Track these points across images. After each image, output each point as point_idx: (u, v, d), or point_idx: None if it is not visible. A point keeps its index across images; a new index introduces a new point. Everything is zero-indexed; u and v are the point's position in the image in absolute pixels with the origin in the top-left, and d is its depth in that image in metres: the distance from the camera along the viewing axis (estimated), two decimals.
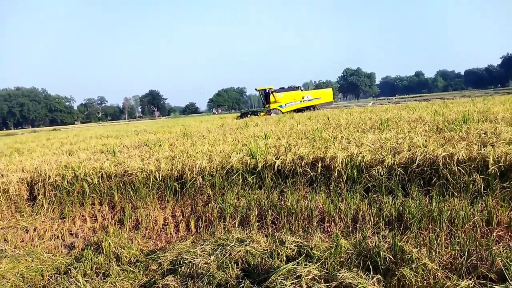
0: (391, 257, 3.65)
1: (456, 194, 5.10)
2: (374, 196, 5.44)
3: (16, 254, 5.24)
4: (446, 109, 14.38)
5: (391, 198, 5.31)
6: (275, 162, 6.40)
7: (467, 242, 3.99)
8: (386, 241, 4.12)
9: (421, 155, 5.67)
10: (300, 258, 3.62)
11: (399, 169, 5.62)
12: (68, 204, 6.85)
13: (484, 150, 5.47)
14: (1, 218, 6.78)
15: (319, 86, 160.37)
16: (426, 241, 4.19)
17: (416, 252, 3.60)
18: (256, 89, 37.58)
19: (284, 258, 3.92)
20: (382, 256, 3.65)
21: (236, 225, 5.41)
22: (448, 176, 5.25)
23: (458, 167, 5.23)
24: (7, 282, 4.38)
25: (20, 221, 6.64)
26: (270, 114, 33.07)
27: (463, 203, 4.80)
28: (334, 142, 7.43)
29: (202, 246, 4.35)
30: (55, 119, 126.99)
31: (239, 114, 36.30)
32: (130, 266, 4.37)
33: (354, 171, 5.89)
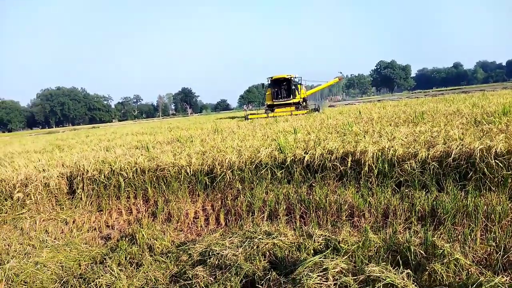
0: (422, 252, 3.56)
1: (494, 189, 4.88)
2: (406, 190, 5.30)
3: (56, 245, 5.55)
4: (485, 101, 13.72)
5: (424, 192, 5.16)
6: (304, 156, 6.37)
7: (503, 238, 3.82)
8: (418, 236, 4.02)
9: (456, 148, 5.46)
10: (327, 251, 3.60)
11: (433, 163, 5.45)
12: (105, 198, 7.15)
13: None
14: (42, 210, 7.18)
15: (351, 80, 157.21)
16: (460, 236, 4.05)
17: (448, 247, 3.49)
18: (270, 79, 26.51)
19: (312, 251, 3.92)
20: (412, 251, 3.57)
21: (265, 219, 5.45)
22: (485, 170, 5.03)
23: (496, 161, 5.00)
24: (48, 270, 4.66)
25: (60, 213, 7.01)
26: (306, 110, 23.69)
27: (501, 197, 4.59)
28: (365, 136, 7.29)
29: (230, 239, 4.42)
30: (94, 117, 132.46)
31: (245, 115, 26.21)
32: (162, 257, 4.52)
33: (386, 165, 5.77)
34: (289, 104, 25.80)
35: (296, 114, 21.60)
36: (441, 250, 3.49)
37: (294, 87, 26.33)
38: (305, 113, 21.68)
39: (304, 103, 27.31)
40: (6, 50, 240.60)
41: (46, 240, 5.76)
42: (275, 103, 26.15)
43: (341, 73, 31.31)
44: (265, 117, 22.15)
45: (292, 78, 26.28)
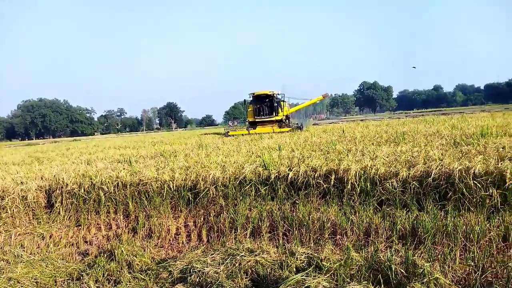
0: (403, 271, 3.59)
1: (472, 209, 4.99)
2: (387, 209, 5.37)
3: (31, 260, 5.37)
4: (464, 123, 14.13)
5: (405, 212, 5.23)
6: (288, 173, 6.40)
7: (482, 258, 3.89)
8: (399, 255, 4.06)
9: (436, 168, 5.58)
10: (309, 269, 3.59)
11: (414, 182, 5.55)
12: (84, 212, 6.98)
13: (501, 164, 5.35)
14: (18, 224, 6.95)
15: (335, 99, 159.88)
16: (439, 256, 4.10)
17: (428, 266, 3.53)
18: (252, 95, 25.26)
19: (294, 269, 3.90)
20: (393, 270, 3.60)
21: (247, 236, 5.41)
22: (464, 190, 5.15)
23: (475, 181, 5.13)
24: (22, 286, 4.49)
25: (37, 228, 6.79)
26: (289, 128, 23.10)
27: (479, 218, 4.69)
28: (348, 155, 7.38)
29: (212, 256, 4.37)
30: (76, 130, 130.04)
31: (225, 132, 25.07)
32: (141, 274, 4.42)
33: (368, 184, 5.84)
34: (272, 122, 24.92)
35: (278, 132, 20.93)
36: (422, 269, 3.53)
37: (276, 104, 25.28)
38: (288, 131, 21.30)
39: (287, 120, 26.34)
40: None
41: (21, 255, 5.57)
42: (257, 120, 25.15)
43: (327, 93, 31.14)
44: (246, 134, 21.66)
45: (275, 95, 25.23)
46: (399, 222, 4.90)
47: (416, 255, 3.94)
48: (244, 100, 26.89)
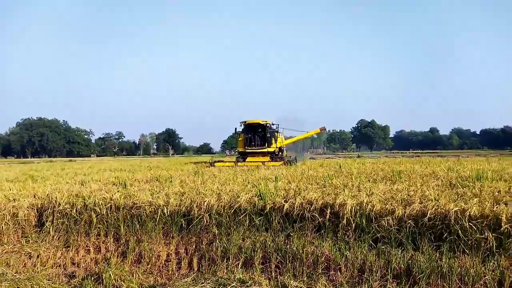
0: None
1: (467, 251, 4.94)
2: (382, 247, 5.32)
3: (16, 279, 5.22)
4: (460, 166, 14.23)
5: (400, 250, 5.18)
6: (284, 205, 6.37)
7: None
8: None
9: (432, 208, 5.58)
10: None
11: (409, 221, 5.53)
12: (74, 233, 6.85)
13: (497, 208, 5.36)
14: (6, 242, 6.80)
15: (333, 135, 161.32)
16: None
17: None
18: (243, 124, 23.80)
19: None
20: None
21: (239, 266, 5.30)
22: (460, 232, 5.13)
23: (470, 223, 5.12)
24: None
25: (25, 246, 6.64)
26: (284, 161, 21.07)
27: (474, 260, 4.65)
28: (344, 189, 7.38)
29: (202, 285, 4.28)
30: (72, 151, 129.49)
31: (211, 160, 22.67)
32: None
33: (363, 220, 5.81)
34: (264, 153, 23.17)
35: (270, 166, 18.69)
36: None
37: (269, 135, 23.45)
38: (279, 165, 19.37)
39: (280, 153, 24.80)
40: None
41: (6, 273, 5.40)
42: (247, 150, 23.45)
43: (324, 127, 30.68)
44: (233, 166, 19.60)
45: (268, 125, 23.58)
46: (394, 261, 4.85)
47: None
48: (235, 128, 24.68)
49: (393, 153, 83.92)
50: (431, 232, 5.42)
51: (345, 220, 5.82)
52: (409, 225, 5.49)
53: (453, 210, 5.35)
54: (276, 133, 24.46)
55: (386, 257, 5.02)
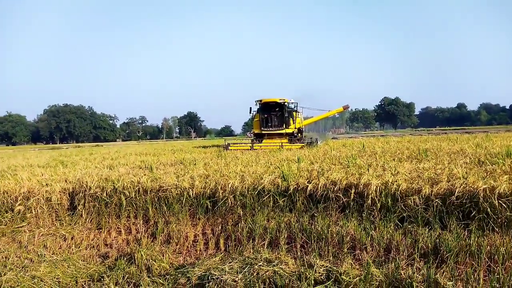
0: None
1: (497, 230, 4.85)
2: (409, 226, 5.28)
3: (53, 260, 5.50)
4: (488, 143, 13.78)
5: (427, 229, 5.13)
6: (307, 186, 6.38)
7: (507, 280, 3.77)
8: (420, 273, 3.98)
9: (460, 186, 5.47)
10: (328, 282, 3.56)
11: (436, 200, 5.44)
12: (105, 216, 7.12)
13: None
14: (42, 225, 7.14)
15: (355, 113, 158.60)
16: (462, 276, 3.99)
17: (451, 285, 3.45)
18: (259, 103, 21.87)
19: (312, 281, 3.87)
20: (415, 287, 3.52)
21: (265, 246, 5.40)
22: (489, 210, 5.02)
23: (500, 201, 4.99)
24: (44, 285, 4.60)
25: (60, 229, 6.96)
26: (305, 143, 19.37)
27: (505, 239, 4.55)
28: (368, 169, 7.31)
29: (230, 264, 4.38)
30: (99, 136, 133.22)
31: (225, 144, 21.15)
32: (160, 279, 4.47)
33: (389, 200, 5.76)
34: (281, 135, 21.39)
35: (288, 148, 17.50)
36: None
37: (288, 115, 21.58)
38: (299, 148, 17.84)
39: (299, 134, 22.48)
40: (17, 64, 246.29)
41: (44, 254, 5.71)
42: (263, 132, 21.70)
43: (347, 105, 26.78)
44: (249, 149, 18.20)
45: (286, 104, 21.49)
46: (421, 240, 4.81)
47: (438, 274, 3.85)
48: (250, 108, 22.18)
49: (419, 130, 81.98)
50: (459, 211, 5.33)
51: (370, 200, 5.80)
52: (436, 204, 5.41)
53: (481, 188, 5.23)
54: (294, 113, 22.49)
55: (413, 236, 4.99)
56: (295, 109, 22.71)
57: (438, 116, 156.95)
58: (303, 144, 19.29)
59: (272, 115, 21.81)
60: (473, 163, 7.98)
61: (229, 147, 19.73)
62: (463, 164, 7.70)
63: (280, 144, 18.78)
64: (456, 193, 5.37)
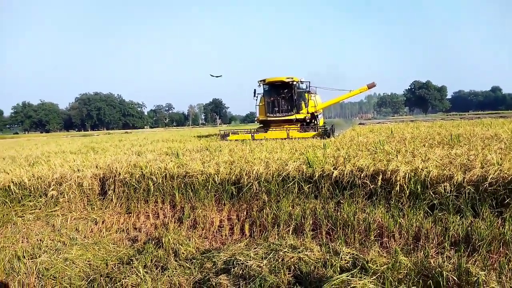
0: (455, 278, 3.41)
1: None
2: (439, 214, 5.12)
3: (85, 243, 5.72)
4: None
5: (458, 217, 4.96)
6: (333, 172, 6.29)
7: None
8: (451, 262, 3.86)
9: (494, 173, 5.23)
10: (355, 270, 3.51)
11: (469, 187, 5.24)
12: (134, 201, 7.31)
13: None
14: (74, 209, 7.42)
15: (383, 98, 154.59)
16: (495, 265, 3.85)
17: (483, 275, 3.32)
18: (262, 83, 17.92)
19: (338, 269, 3.83)
20: (445, 276, 3.42)
21: (290, 232, 5.39)
22: None
23: None
24: (76, 267, 4.80)
25: (91, 213, 7.22)
26: (318, 134, 15.79)
27: None
28: (397, 156, 7.12)
29: (255, 250, 4.40)
30: (127, 123, 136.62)
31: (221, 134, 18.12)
32: (186, 262, 4.56)
33: (418, 187, 5.59)
34: (290, 121, 17.70)
35: (297, 138, 14.76)
36: (476, 278, 3.33)
37: (298, 97, 17.86)
38: (312, 137, 15.19)
39: (314, 121, 18.65)
40: (49, 53, 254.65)
41: (76, 238, 5.95)
42: (269, 118, 18.07)
43: (373, 82, 20.58)
44: (249, 139, 15.32)
45: (296, 83, 17.60)
46: (452, 228, 4.66)
47: (469, 263, 3.72)
48: (254, 90, 18.45)
49: (451, 115, 79.14)
50: (493, 198, 5.12)
51: (398, 187, 5.65)
52: (468, 191, 5.21)
53: None
54: (306, 94, 18.55)
55: (443, 224, 4.84)
56: (307, 89, 18.62)
57: (471, 100, 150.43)
58: (314, 133, 16.14)
59: (279, 98, 18.05)
60: (509, 148, 7.61)
61: (227, 138, 16.88)
62: (497, 150, 7.36)
63: (287, 133, 16.13)
64: (489, 179, 5.15)
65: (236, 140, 15.72)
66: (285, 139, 14.56)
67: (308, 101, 18.47)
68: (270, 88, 18.23)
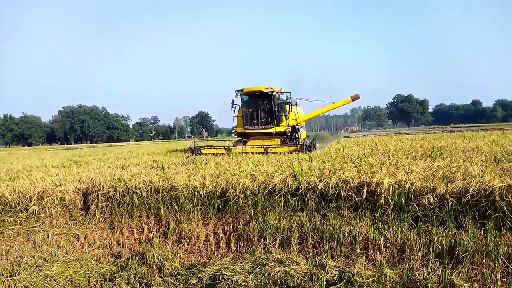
0: None
1: None
2: (423, 226, 5.17)
3: (66, 259, 5.58)
4: (505, 140, 13.47)
5: (442, 229, 5.03)
6: (319, 184, 6.32)
7: None
8: (435, 274, 3.90)
9: (476, 185, 5.34)
10: (341, 284, 3.51)
11: (451, 199, 5.32)
12: (118, 215, 7.18)
13: None
14: (56, 224, 7.23)
15: (367, 111, 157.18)
16: (479, 277, 3.90)
17: (467, 286, 3.37)
18: (240, 93, 16.86)
19: (324, 282, 3.82)
20: None
21: (276, 246, 5.36)
22: (505, 209, 4.88)
23: None
24: (57, 284, 4.66)
25: (73, 228, 7.05)
26: (300, 148, 14.31)
27: None
28: (381, 168, 7.21)
29: (241, 264, 4.36)
30: (112, 136, 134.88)
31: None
32: (171, 278, 4.48)
33: (402, 199, 5.66)
34: (270, 134, 16.58)
35: (274, 153, 13.71)
36: None
37: (278, 108, 16.79)
38: (290, 152, 13.78)
39: (294, 134, 17.34)
40: (32, 66, 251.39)
41: (57, 254, 5.79)
42: (247, 131, 16.91)
43: (357, 94, 18.97)
44: (223, 153, 14.52)
45: (276, 94, 16.49)
46: (436, 240, 4.72)
47: (454, 275, 3.76)
48: (232, 101, 17.09)
49: (433, 128, 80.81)
50: (475, 210, 5.20)
51: (382, 199, 5.70)
52: (451, 202, 5.29)
53: (498, 186, 5.09)
54: (287, 106, 17.47)
55: (428, 236, 4.89)
56: (288, 100, 17.43)
57: (452, 113, 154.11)
58: (295, 146, 14.81)
59: (258, 110, 16.90)
60: (489, 161, 7.80)
61: (202, 151, 15.48)
62: (478, 162, 7.53)
63: (264, 148, 14.69)
64: (471, 191, 5.25)
65: (212, 154, 14.78)
66: (262, 153, 13.56)
67: (288, 113, 17.42)
68: (249, 98, 17.25)
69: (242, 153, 13.96)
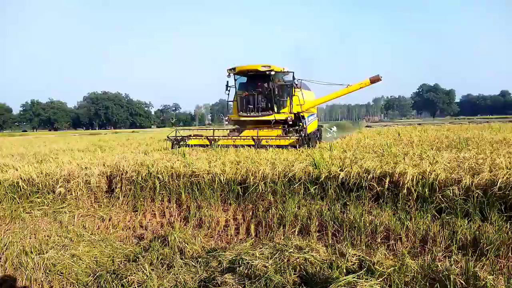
0: (462, 282, 3.38)
1: None
2: (447, 217, 5.07)
3: (92, 240, 5.76)
4: None
5: (466, 221, 4.92)
6: (339, 174, 6.26)
7: None
8: (458, 266, 3.83)
9: (503, 177, 5.17)
10: (361, 272, 3.50)
11: (477, 191, 5.18)
12: (141, 199, 7.35)
13: None
14: (81, 206, 7.48)
15: (390, 101, 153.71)
16: (504, 269, 3.80)
17: (492, 279, 3.29)
18: (233, 73, 13.72)
19: (344, 270, 3.81)
20: (452, 280, 3.39)
21: (296, 233, 5.38)
22: None
23: None
24: (83, 263, 4.84)
25: (98, 210, 7.27)
26: (302, 140, 11.17)
27: None
28: (404, 158, 7.07)
29: (261, 249, 4.40)
30: (135, 122, 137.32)
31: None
32: (192, 261, 4.57)
33: (426, 190, 5.55)
34: (268, 122, 13.54)
35: (271, 146, 10.77)
36: (483, 282, 3.30)
37: (278, 91, 13.76)
38: (288, 145, 11.12)
39: (298, 123, 13.69)
40: (58, 52, 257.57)
41: (83, 234, 5.99)
42: (241, 118, 14.08)
43: (378, 75, 14.55)
44: (207, 146, 12.11)
45: (276, 74, 13.41)
46: (459, 232, 4.63)
47: (477, 267, 3.69)
48: (227, 82, 14.07)
49: (459, 119, 78.41)
50: (501, 202, 5.05)
51: (405, 189, 5.61)
52: (477, 194, 5.16)
53: None
54: (292, 88, 13.90)
55: (451, 228, 4.80)
56: (294, 83, 13.96)
57: (480, 104, 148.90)
58: (295, 138, 11.47)
59: (254, 93, 13.85)
60: None
61: (189, 141, 13.12)
62: (506, 154, 7.29)
63: (255, 140, 11.53)
64: (498, 183, 5.10)
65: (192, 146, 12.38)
66: (253, 146, 11.09)
67: (292, 96, 13.86)
68: (246, 79, 14.41)
69: (231, 145, 11.49)
